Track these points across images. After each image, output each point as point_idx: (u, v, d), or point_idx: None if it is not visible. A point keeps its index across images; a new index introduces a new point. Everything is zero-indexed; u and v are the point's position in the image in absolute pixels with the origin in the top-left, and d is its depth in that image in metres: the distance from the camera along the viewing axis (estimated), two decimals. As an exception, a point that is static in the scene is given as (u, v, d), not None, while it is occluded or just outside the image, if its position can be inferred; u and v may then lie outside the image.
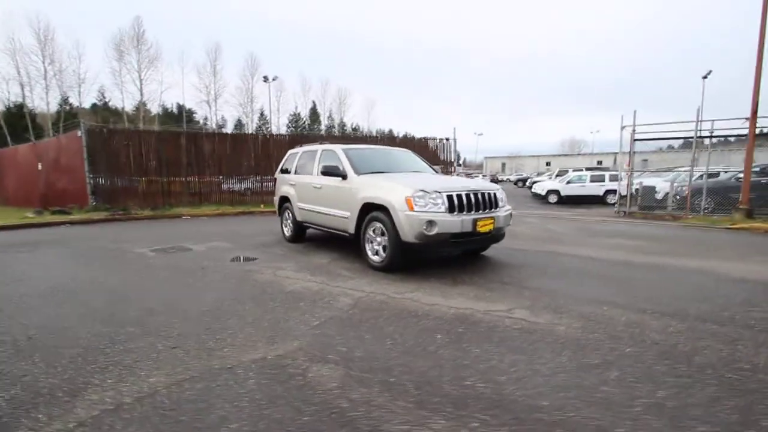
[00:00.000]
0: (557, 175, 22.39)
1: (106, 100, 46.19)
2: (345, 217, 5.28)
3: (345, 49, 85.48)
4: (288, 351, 2.59)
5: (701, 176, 14.18)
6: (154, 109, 45.03)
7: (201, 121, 52.45)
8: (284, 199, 7.12)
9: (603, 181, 17.93)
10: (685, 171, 15.99)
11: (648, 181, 14.44)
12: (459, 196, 4.49)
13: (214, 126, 47.01)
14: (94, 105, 45.85)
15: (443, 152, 15.86)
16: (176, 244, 6.92)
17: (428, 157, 15.40)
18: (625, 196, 13.03)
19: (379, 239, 4.76)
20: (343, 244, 6.59)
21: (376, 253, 4.80)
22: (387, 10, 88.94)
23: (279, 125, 49.90)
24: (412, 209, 4.31)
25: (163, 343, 2.75)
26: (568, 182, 18.40)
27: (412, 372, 2.29)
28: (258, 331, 2.93)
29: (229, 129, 47.99)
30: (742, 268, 4.71)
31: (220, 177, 14.04)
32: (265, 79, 33.19)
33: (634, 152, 13.20)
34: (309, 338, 2.80)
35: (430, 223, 4.24)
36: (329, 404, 1.97)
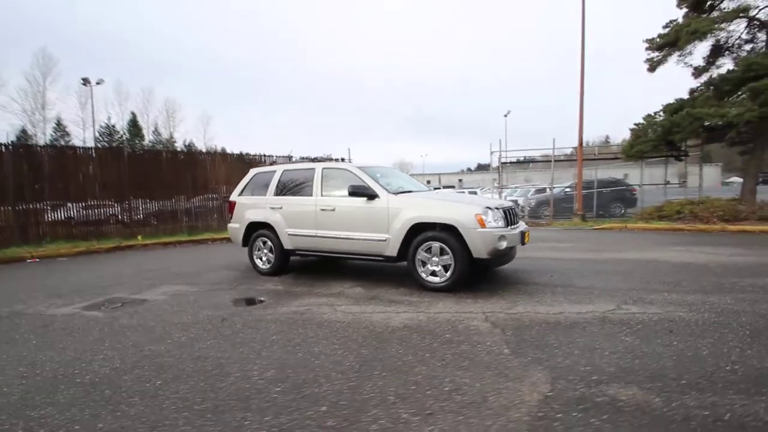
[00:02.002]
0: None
1: None
2: (381, 240, 4.89)
3: (173, 60, 73.93)
4: (566, 391, 2.35)
5: (536, 191, 18.40)
6: None
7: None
8: (257, 227, 6.01)
9: (464, 196, 21.09)
10: (525, 187, 20.36)
11: (509, 196, 17.66)
12: (507, 211, 4.80)
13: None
14: None
15: (339, 172, 15.84)
16: (103, 297, 5.00)
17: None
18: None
19: (435, 259, 4.61)
20: (339, 270, 6.03)
21: (433, 273, 4.63)
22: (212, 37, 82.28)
23: (86, 139, 39.97)
24: (484, 226, 4.38)
25: (405, 412, 2.11)
26: (439, 199, 20.86)
27: (700, 374, 2.44)
28: (492, 376, 2.53)
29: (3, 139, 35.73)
30: (670, 257, 6.41)
31: (69, 204, 10.55)
32: (85, 81, 26.10)
33: (491, 170, 16.14)
34: (550, 364, 2.60)
35: (502, 237, 4.41)
36: (723, 417, 1.97)
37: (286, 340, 3.24)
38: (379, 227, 4.92)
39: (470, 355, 2.82)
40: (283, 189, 5.88)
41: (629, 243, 8.24)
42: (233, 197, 6.44)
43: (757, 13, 11.36)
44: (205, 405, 2.26)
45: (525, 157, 16.48)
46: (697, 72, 13.69)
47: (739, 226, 8.88)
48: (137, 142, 50.82)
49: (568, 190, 16.37)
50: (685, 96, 12.64)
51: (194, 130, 64.71)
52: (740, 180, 16.84)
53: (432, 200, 4.89)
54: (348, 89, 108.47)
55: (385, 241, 4.89)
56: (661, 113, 12.99)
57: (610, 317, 3.50)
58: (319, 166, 5.67)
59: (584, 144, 14.15)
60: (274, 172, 6.07)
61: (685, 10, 12.62)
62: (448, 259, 4.53)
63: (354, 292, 4.76)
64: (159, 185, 11.92)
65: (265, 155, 14.02)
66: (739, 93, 9.76)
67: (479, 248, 4.37)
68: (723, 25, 10.99)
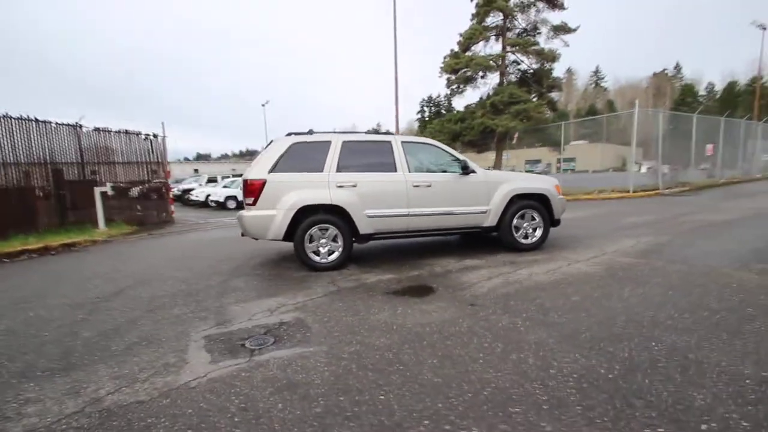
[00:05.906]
0: (208, 182, 21.85)
1: None
2: (482, 212, 5.16)
3: None
4: None
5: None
6: None
7: None
8: (311, 210, 4.66)
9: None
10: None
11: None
12: (546, 183, 6.14)
13: None
14: None
15: (153, 152, 11.80)
16: (199, 335, 2.90)
17: (136, 155, 11.38)
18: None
19: (526, 224, 5.38)
20: (375, 253, 5.64)
21: (526, 236, 5.39)
22: None
23: None
24: (560, 193, 5.56)
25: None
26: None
27: None
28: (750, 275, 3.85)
29: None
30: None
31: None
32: None
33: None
34: (729, 262, 4.17)
35: (565, 201, 5.74)
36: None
37: (637, 295, 3.42)
38: (481, 200, 5.16)
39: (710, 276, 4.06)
40: (349, 164, 4.84)
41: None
42: (258, 174, 4.59)
43: (496, 60, 17.21)
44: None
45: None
46: (451, 93, 19.18)
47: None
48: None
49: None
50: (462, 109, 17.57)
51: None
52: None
53: (516, 174, 5.61)
54: None
55: (485, 213, 5.19)
56: (449, 120, 17.53)
57: (663, 244, 5.45)
58: (395, 139, 5.07)
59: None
60: (329, 143, 4.84)
61: (458, 48, 17.38)
62: (536, 223, 5.42)
63: (475, 264, 4.84)
64: None
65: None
66: (508, 111, 14.84)
67: (559, 211, 5.54)
68: (491, 62, 16.10)
